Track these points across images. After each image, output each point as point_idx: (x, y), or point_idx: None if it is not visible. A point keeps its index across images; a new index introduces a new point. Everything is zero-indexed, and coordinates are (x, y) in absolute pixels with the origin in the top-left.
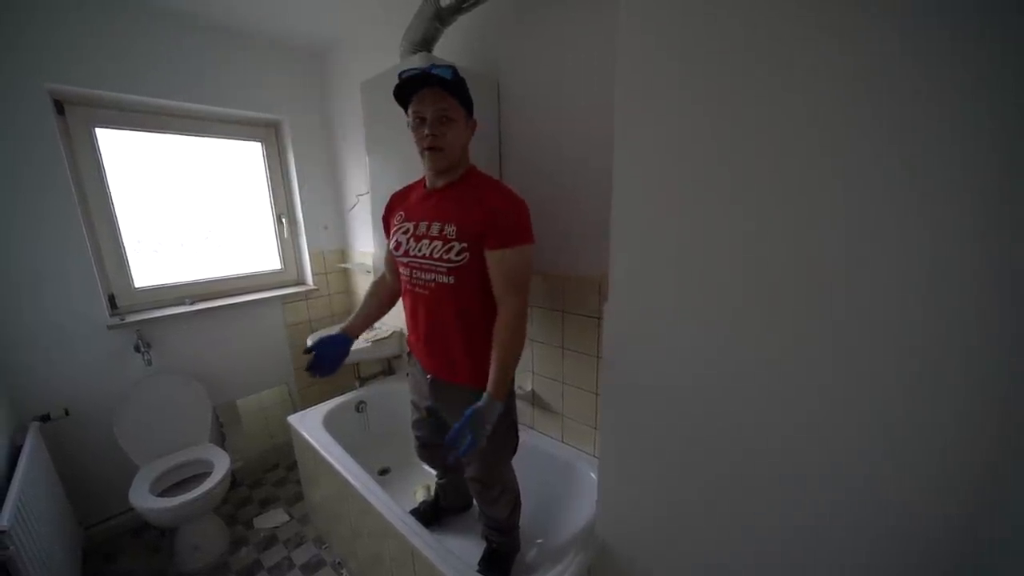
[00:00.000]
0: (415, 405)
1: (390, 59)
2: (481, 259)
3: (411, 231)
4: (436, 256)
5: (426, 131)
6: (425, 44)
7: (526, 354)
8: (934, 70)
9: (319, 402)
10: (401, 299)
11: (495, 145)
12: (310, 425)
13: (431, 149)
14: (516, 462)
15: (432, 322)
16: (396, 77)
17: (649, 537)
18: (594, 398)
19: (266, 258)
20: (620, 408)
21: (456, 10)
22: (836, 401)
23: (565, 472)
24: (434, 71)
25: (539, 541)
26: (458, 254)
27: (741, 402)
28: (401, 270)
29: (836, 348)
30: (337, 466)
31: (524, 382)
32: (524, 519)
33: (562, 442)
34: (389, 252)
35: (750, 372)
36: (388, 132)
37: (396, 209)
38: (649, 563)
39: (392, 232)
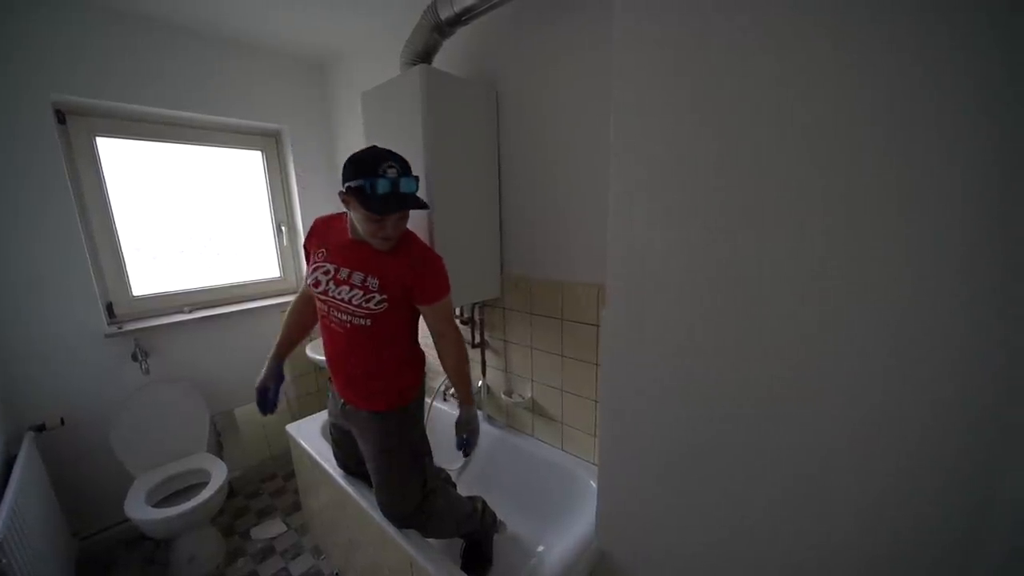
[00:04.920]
0: (333, 426)
1: (391, 70)
2: (399, 307)
3: (332, 274)
4: (355, 303)
5: (389, 232)
6: (426, 55)
7: (526, 361)
8: (931, 73)
9: (317, 411)
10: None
11: (494, 153)
12: (308, 434)
13: (386, 239)
14: (515, 468)
15: (346, 356)
16: (396, 89)
17: (649, 546)
18: (594, 406)
19: (265, 266)
20: (619, 416)
21: (455, 22)
22: (837, 405)
23: (565, 480)
24: (411, 200)
25: (539, 549)
26: (377, 304)
27: (743, 410)
28: (318, 304)
29: (834, 350)
30: (335, 475)
31: (524, 390)
32: (524, 527)
33: (562, 450)
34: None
35: (752, 379)
36: (388, 142)
37: (318, 242)
38: (650, 572)
39: (312, 268)
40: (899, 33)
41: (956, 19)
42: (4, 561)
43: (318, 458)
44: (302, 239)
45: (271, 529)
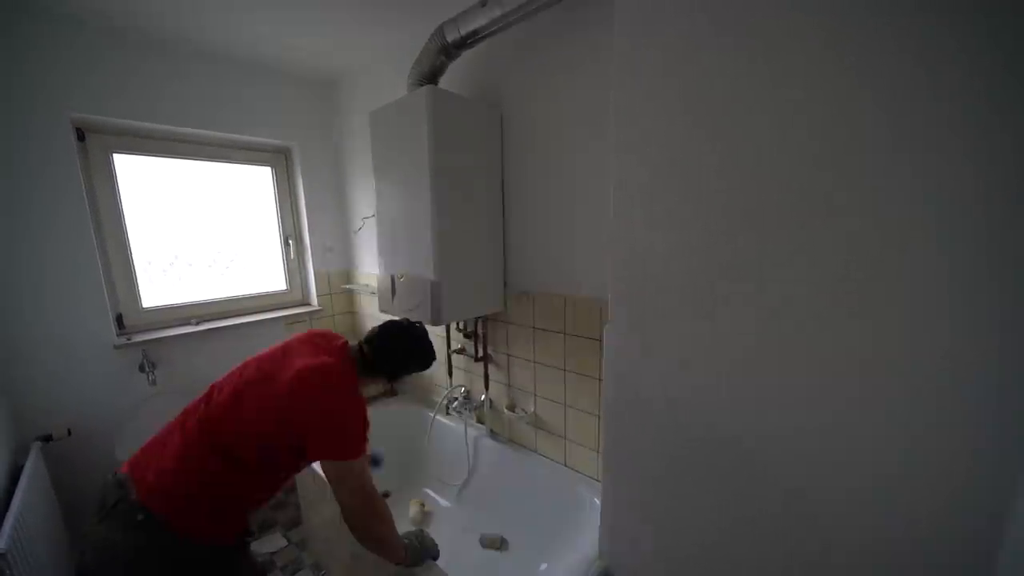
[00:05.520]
0: None
1: (398, 90)
2: None
3: None
4: None
5: None
6: (432, 77)
7: (529, 376)
8: (935, 71)
9: None
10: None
11: (498, 171)
12: None
13: None
14: (517, 484)
15: None
16: (403, 109)
17: (654, 565)
18: (597, 421)
19: (272, 279)
20: (622, 432)
21: (461, 45)
22: (849, 422)
23: (569, 497)
24: None
25: (543, 567)
26: None
27: (747, 426)
28: None
29: (845, 356)
30: None
31: (527, 404)
32: (527, 544)
33: (565, 465)
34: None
35: (755, 395)
36: (394, 160)
37: None
38: None
39: None
40: (905, 23)
41: (957, 20)
42: (8, 573)
43: (320, 472)
44: (309, 252)
45: (272, 543)
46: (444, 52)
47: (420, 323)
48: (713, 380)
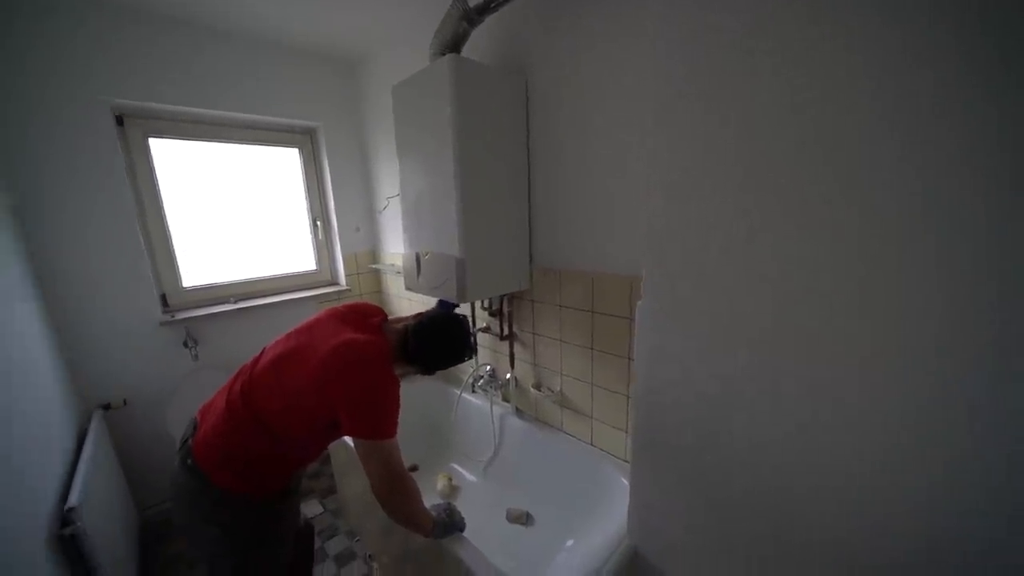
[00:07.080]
0: None
1: (420, 62)
2: None
3: None
4: None
5: None
6: (454, 45)
7: (555, 355)
8: (941, 71)
9: None
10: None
11: (523, 143)
12: None
13: None
14: (544, 462)
15: None
16: (425, 80)
17: (681, 546)
18: (625, 400)
19: (302, 259)
20: (651, 413)
21: (484, 10)
22: (873, 412)
23: (594, 475)
24: None
25: (569, 543)
26: None
27: (776, 411)
28: None
29: (873, 356)
30: None
31: (553, 383)
32: (553, 520)
33: (591, 445)
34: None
35: (785, 380)
36: (417, 135)
37: None
38: (683, 570)
39: None
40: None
41: (966, 19)
42: (79, 524)
43: (352, 445)
44: (336, 232)
45: (309, 509)
46: (466, 18)
47: (464, 318)
48: (746, 365)
